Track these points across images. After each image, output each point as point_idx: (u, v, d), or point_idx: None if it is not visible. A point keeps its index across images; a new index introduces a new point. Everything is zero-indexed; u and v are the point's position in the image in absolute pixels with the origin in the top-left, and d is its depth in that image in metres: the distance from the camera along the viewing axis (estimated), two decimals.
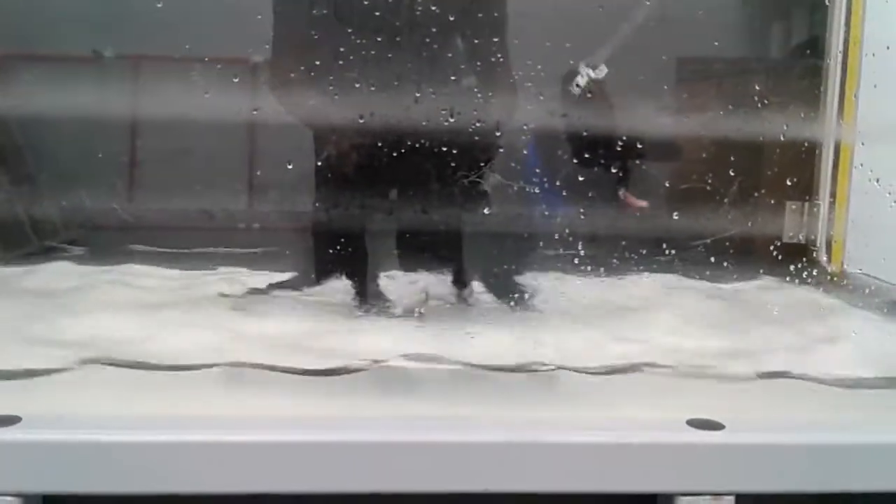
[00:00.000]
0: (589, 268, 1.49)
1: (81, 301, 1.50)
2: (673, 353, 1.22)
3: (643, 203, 1.50)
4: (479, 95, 1.46)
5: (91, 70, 2.45)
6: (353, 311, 1.45)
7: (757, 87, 1.89)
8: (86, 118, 1.80)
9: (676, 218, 1.59)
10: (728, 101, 2.01)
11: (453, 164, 1.41)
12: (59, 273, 1.81)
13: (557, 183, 1.50)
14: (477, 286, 1.55)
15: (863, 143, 1.90)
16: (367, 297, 1.53)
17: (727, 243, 1.71)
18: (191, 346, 1.19)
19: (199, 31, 1.93)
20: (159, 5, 1.55)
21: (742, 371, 1.17)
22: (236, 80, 1.57)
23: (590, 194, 1.50)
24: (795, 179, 1.95)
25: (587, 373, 1.14)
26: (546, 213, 1.52)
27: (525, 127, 1.52)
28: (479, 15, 1.48)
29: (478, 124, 1.39)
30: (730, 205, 1.77)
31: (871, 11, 1.96)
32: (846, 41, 1.98)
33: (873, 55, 1.88)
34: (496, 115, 1.46)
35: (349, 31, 1.43)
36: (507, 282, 1.53)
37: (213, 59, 1.77)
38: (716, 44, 2.00)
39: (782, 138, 1.73)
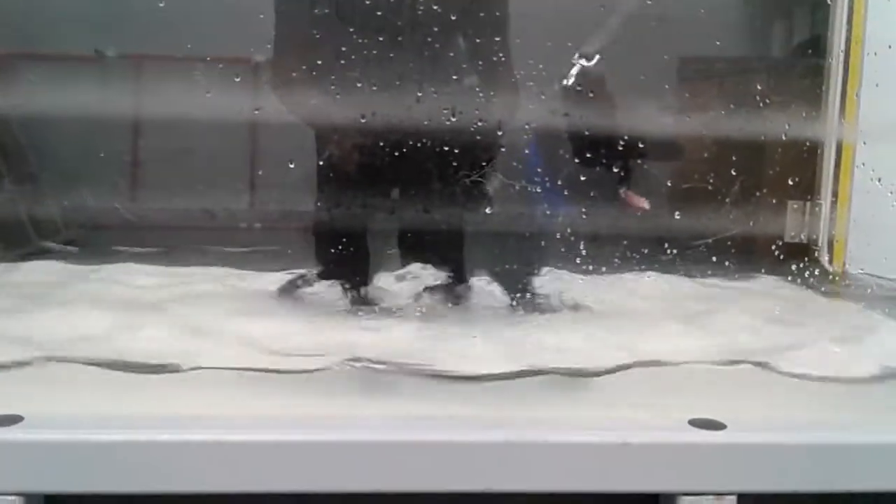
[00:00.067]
0: (590, 266, 1.49)
1: (49, 298, 1.50)
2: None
3: (645, 203, 1.50)
4: (480, 95, 1.46)
5: (93, 69, 2.45)
6: (354, 311, 1.45)
7: (759, 87, 1.89)
8: (88, 118, 1.80)
9: (678, 217, 1.58)
10: (730, 100, 2.01)
11: (455, 164, 1.41)
12: (42, 271, 1.80)
13: (559, 182, 1.49)
14: (478, 287, 1.55)
15: (864, 143, 1.90)
16: (368, 296, 1.53)
17: (728, 243, 1.71)
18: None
19: (201, 31, 1.93)
20: (161, 5, 1.55)
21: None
22: (238, 80, 1.57)
23: (591, 194, 1.49)
24: (797, 179, 1.95)
25: (589, 374, 1.14)
26: (548, 212, 1.52)
27: (527, 126, 1.52)
28: (481, 14, 1.48)
29: (479, 124, 1.39)
30: (731, 204, 1.77)
31: (872, 10, 1.96)
32: (848, 40, 1.98)
33: (875, 54, 1.88)
34: (498, 115, 1.46)
35: (351, 30, 1.43)
36: (516, 280, 1.53)
37: (215, 59, 1.77)
38: (717, 43, 2.00)
39: (784, 137, 1.73)
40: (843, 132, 1.99)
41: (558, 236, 1.49)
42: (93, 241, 2.27)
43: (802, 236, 1.99)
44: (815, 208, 2.00)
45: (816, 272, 1.79)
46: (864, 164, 1.89)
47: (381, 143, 1.39)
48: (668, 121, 1.74)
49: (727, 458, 0.95)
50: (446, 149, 1.39)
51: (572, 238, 1.46)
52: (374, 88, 1.39)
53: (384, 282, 1.53)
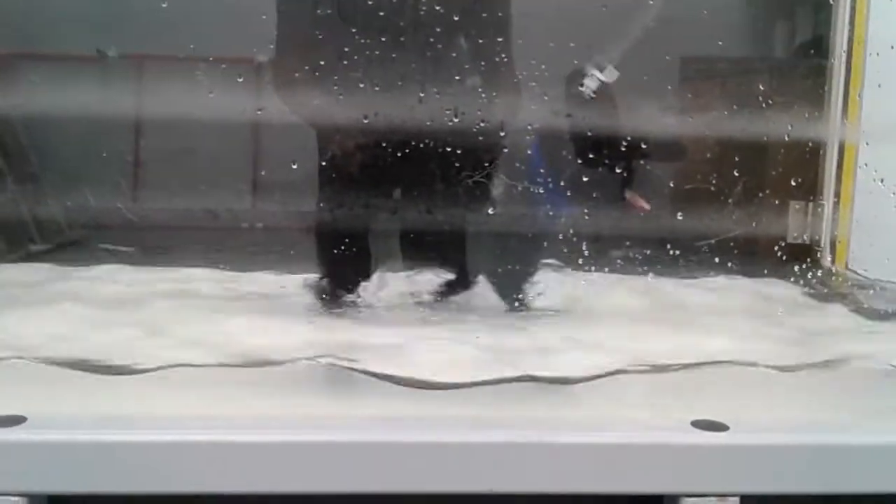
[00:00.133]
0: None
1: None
2: None
3: (647, 206, 1.50)
4: (483, 95, 1.46)
5: (95, 70, 2.46)
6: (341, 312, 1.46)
7: (761, 87, 1.89)
8: (90, 118, 1.80)
9: (680, 218, 1.58)
10: (732, 100, 2.01)
11: (457, 165, 1.41)
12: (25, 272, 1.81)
13: (562, 183, 1.49)
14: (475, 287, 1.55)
15: (867, 143, 1.90)
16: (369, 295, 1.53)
17: (731, 243, 1.71)
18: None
19: (202, 31, 1.93)
20: (164, 5, 1.55)
21: None
22: (241, 80, 1.57)
23: (594, 194, 1.49)
24: (799, 179, 1.95)
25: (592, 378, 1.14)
26: (550, 213, 1.52)
27: (529, 127, 1.52)
28: (483, 15, 1.48)
29: (482, 124, 1.39)
30: (733, 205, 1.77)
31: (875, 11, 1.96)
32: (850, 41, 1.98)
33: (877, 55, 1.88)
34: (500, 116, 1.46)
35: (353, 30, 1.43)
36: (510, 282, 1.53)
37: (218, 59, 1.77)
38: (720, 43, 2.00)
39: (786, 138, 1.73)
40: (846, 133, 1.99)
41: (561, 237, 1.48)
42: (93, 240, 2.27)
43: (805, 237, 1.99)
44: (818, 209, 2.00)
45: (819, 273, 1.79)
46: (866, 165, 1.89)
47: (384, 144, 1.39)
48: (670, 121, 1.73)
49: (730, 460, 0.95)
50: (448, 149, 1.39)
51: (574, 238, 1.46)
52: (377, 89, 1.39)
53: (379, 282, 1.54)
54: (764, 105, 1.80)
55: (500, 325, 1.40)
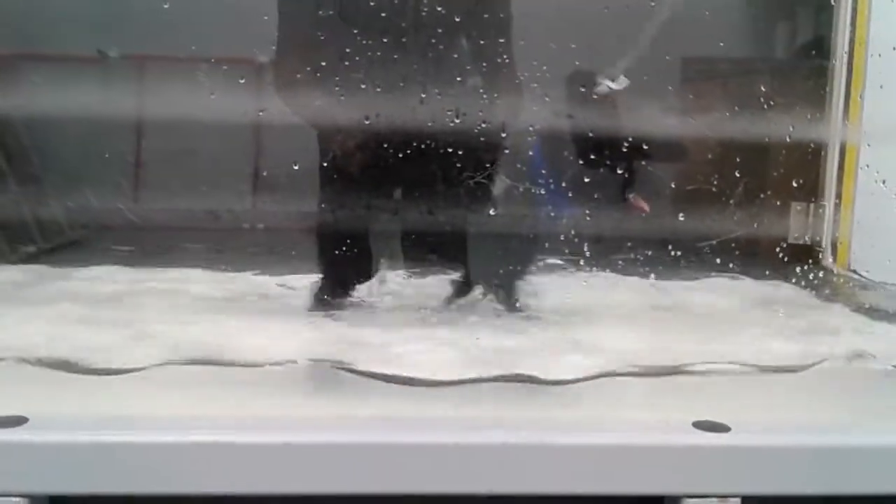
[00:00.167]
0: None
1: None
2: None
3: (645, 206, 1.50)
4: (484, 96, 1.46)
5: (96, 70, 2.46)
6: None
7: (762, 88, 1.89)
8: (91, 119, 1.81)
9: (681, 219, 1.58)
10: (733, 101, 2.00)
11: (459, 165, 1.41)
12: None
13: (563, 184, 1.49)
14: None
15: (869, 145, 1.90)
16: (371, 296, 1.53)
17: (733, 245, 1.71)
18: None
19: (204, 32, 1.93)
20: (165, 6, 1.55)
21: None
22: (242, 81, 1.57)
23: (595, 195, 1.49)
24: (801, 180, 1.95)
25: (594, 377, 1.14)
26: (552, 213, 1.52)
27: (531, 128, 1.52)
28: (485, 16, 1.48)
29: (483, 125, 1.39)
30: (735, 206, 1.77)
31: (876, 12, 1.95)
32: (851, 41, 1.98)
33: (879, 56, 1.88)
34: (502, 116, 1.46)
35: (355, 32, 1.43)
36: (516, 283, 1.53)
37: (220, 60, 1.77)
38: (721, 45, 2.00)
39: (788, 139, 1.73)
40: (847, 134, 1.99)
41: (562, 237, 1.48)
42: (93, 241, 2.28)
43: (806, 238, 1.99)
44: (819, 210, 2.00)
45: (820, 274, 1.79)
46: (868, 166, 1.89)
47: (385, 145, 1.39)
48: (671, 122, 1.73)
49: (731, 460, 0.95)
50: (450, 150, 1.39)
51: (576, 239, 1.46)
52: (378, 90, 1.39)
53: (380, 283, 1.54)
54: (765, 106, 1.80)
55: (502, 326, 1.40)
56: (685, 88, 2.23)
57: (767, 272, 1.76)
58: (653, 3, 1.51)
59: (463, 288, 1.53)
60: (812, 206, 2.01)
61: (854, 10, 1.98)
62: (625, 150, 1.50)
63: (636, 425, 0.98)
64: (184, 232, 2.11)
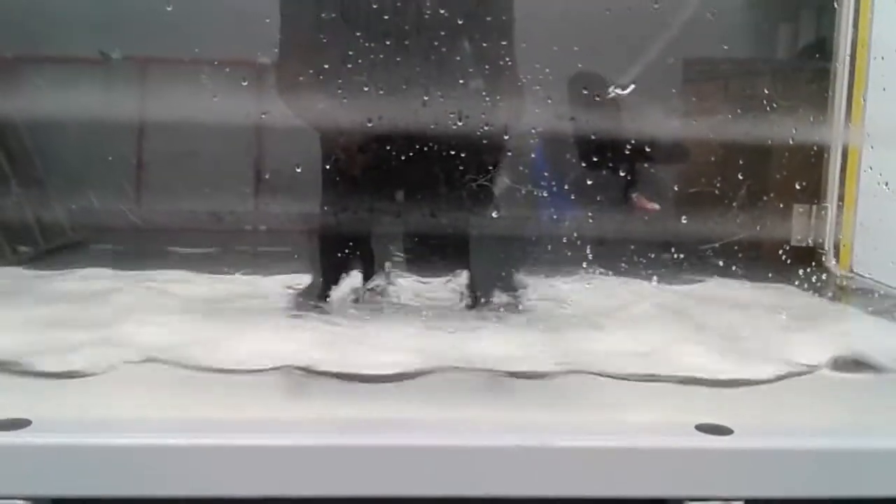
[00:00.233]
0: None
1: None
2: None
3: (655, 206, 1.50)
4: (486, 99, 1.46)
5: (99, 72, 2.46)
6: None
7: (764, 90, 1.88)
8: (94, 120, 1.81)
9: (684, 221, 1.58)
10: (735, 103, 2.00)
11: (461, 168, 1.41)
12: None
13: (565, 186, 1.49)
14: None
15: (871, 147, 1.90)
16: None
17: (735, 247, 1.70)
18: None
19: (207, 34, 1.93)
20: (169, 8, 1.55)
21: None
22: (245, 84, 1.57)
23: (597, 197, 1.49)
24: (803, 182, 1.95)
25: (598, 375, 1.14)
26: (554, 216, 1.52)
27: (533, 131, 1.52)
28: (487, 18, 1.48)
29: (486, 128, 1.39)
30: (737, 208, 1.77)
31: (879, 14, 1.95)
32: (854, 43, 1.98)
33: (882, 58, 1.88)
34: (504, 119, 1.46)
35: (357, 34, 1.43)
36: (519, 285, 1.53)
37: (222, 62, 1.77)
38: (725, 47, 2.00)
39: (790, 141, 1.73)
40: (850, 136, 1.99)
41: (565, 240, 1.48)
42: (89, 243, 2.28)
43: (809, 240, 1.99)
44: (822, 212, 2.00)
45: (822, 276, 1.79)
46: (870, 168, 1.89)
47: (388, 147, 1.39)
48: (672, 124, 1.74)
49: (734, 463, 0.95)
50: (453, 153, 1.39)
51: (579, 242, 1.46)
52: (381, 92, 1.39)
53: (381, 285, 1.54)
54: (767, 108, 1.80)
55: (504, 327, 1.40)
56: (686, 90, 2.23)
57: (770, 274, 1.76)
58: (655, 5, 1.51)
59: (463, 289, 1.53)
60: (814, 208, 2.00)
61: (857, 12, 1.98)
62: (626, 151, 1.50)
63: (637, 427, 0.98)
64: (185, 233, 2.11)
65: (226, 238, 2.03)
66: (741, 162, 1.78)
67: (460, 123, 1.37)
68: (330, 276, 1.55)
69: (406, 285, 1.55)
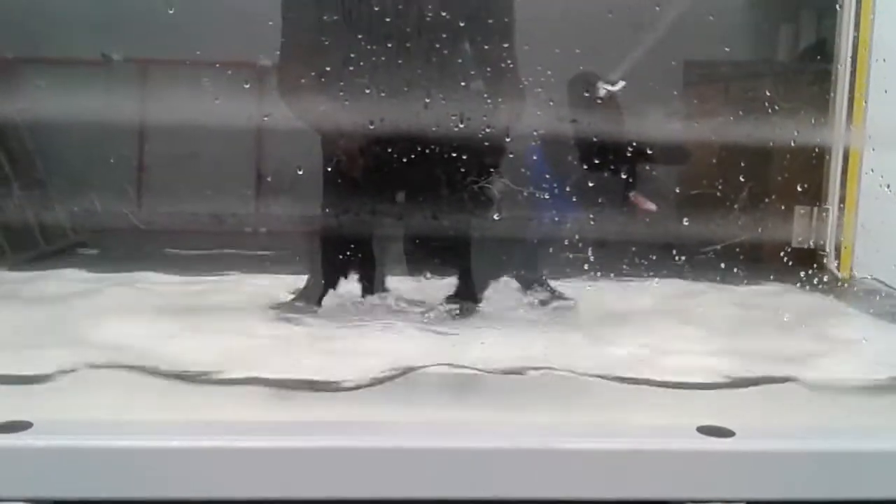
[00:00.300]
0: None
1: None
2: None
3: (652, 205, 1.50)
4: (488, 101, 1.46)
5: (100, 74, 2.46)
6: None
7: (766, 92, 1.89)
8: (95, 122, 1.81)
9: (686, 223, 1.58)
10: (736, 105, 2.00)
11: (462, 170, 1.41)
12: None
13: (567, 188, 1.49)
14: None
15: (873, 149, 1.90)
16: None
17: (737, 249, 1.70)
18: None
19: (208, 36, 1.94)
20: (171, 11, 1.55)
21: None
22: (247, 86, 1.57)
23: (598, 199, 1.49)
24: (805, 184, 1.95)
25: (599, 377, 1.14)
26: (556, 217, 1.52)
27: (535, 133, 1.52)
28: (488, 21, 1.48)
29: (487, 129, 1.39)
30: (739, 210, 1.77)
31: (880, 16, 1.95)
32: (855, 45, 1.98)
33: (884, 60, 1.88)
34: (505, 120, 1.46)
35: (359, 36, 1.43)
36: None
37: (224, 64, 1.77)
38: (726, 49, 2.00)
39: (792, 143, 1.73)
40: (851, 138, 1.99)
41: (566, 242, 1.49)
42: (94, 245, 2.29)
43: (810, 242, 1.99)
44: (823, 214, 2.00)
45: (824, 278, 1.79)
46: (872, 171, 1.89)
47: (389, 149, 1.39)
48: (674, 126, 1.73)
49: (736, 466, 0.95)
50: (454, 154, 1.39)
51: (580, 244, 1.46)
52: (382, 94, 1.39)
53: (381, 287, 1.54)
54: (769, 110, 1.80)
55: (506, 328, 1.40)
56: (688, 92, 2.23)
57: (771, 276, 1.76)
58: (657, 7, 1.51)
59: (464, 291, 1.53)
60: (816, 210, 2.00)
61: (858, 14, 1.98)
62: (627, 153, 1.50)
63: (640, 430, 0.98)
64: (186, 235, 2.11)
65: (227, 240, 2.03)
66: (742, 164, 1.78)
67: (462, 125, 1.37)
68: (329, 277, 1.55)
69: (405, 286, 1.55)
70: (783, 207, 1.96)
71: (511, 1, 1.51)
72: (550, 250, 1.58)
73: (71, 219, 2.32)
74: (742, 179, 1.76)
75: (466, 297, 1.51)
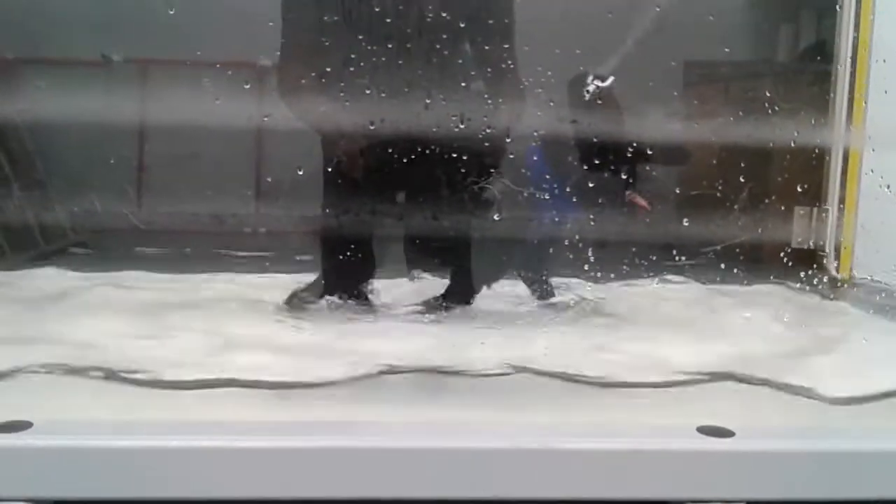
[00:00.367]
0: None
1: None
2: None
3: (645, 204, 1.50)
4: (488, 101, 1.46)
5: (101, 74, 2.46)
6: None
7: (766, 92, 1.89)
8: (95, 123, 1.81)
9: (686, 224, 1.58)
10: (736, 105, 2.00)
11: (463, 170, 1.41)
12: None
13: (567, 188, 1.50)
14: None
15: (873, 150, 1.90)
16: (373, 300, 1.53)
17: (737, 250, 1.70)
18: None
19: (208, 36, 1.94)
20: (171, 12, 1.55)
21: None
22: (248, 87, 1.57)
23: (599, 199, 1.49)
24: (804, 185, 1.95)
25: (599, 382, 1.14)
26: (556, 218, 1.52)
27: (536, 133, 1.52)
28: (489, 21, 1.48)
29: (487, 130, 1.39)
30: (739, 210, 1.77)
31: (880, 16, 1.95)
32: (855, 46, 1.98)
33: (884, 61, 1.88)
34: (505, 121, 1.46)
35: (359, 37, 1.43)
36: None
37: (224, 65, 1.77)
38: (726, 50, 2.00)
39: (792, 144, 1.73)
40: (851, 138, 1.99)
41: (566, 242, 1.49)
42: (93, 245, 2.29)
43: (810, 243, 1.99)
44: (823, 214, 2.00)
45: (824, 278, 1.79)
46: (872, 171, 1.89)
47: (389, 150, 1.39)
48: (673, 126, 1.73)
49: (736, 466, 0.95)
50: (454, 155, 1.39)
51: (580, 244, 1.46)
52: (382, 95, 1.39)
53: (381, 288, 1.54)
54: (769, 111, 1.80)
55: (506, 328, 1.40)
56: (688, 92, 2.23)
57: (771, 276, 1.76)
58: (658, 8, 1.51)
59: (465, 292, 1.53)
60: (815, 210, 2.00)
61: (858, 14, 1.98)
62: (627, 153, 1.50)
63: (639, 430, 0.98)
64: (186, 235, 2.11)
65: (228, 240, 2.03)
66: (742, 164, 1.78)
67: (462, 126, 1.37)
68: (328, 277, 1.55)
69: (405, 287, 1.56)
70: (783, 208, 1.96)
71: (511, 2, 1.51)
72: (551, 250, 1.58)
73: (71, 219, 2.32)
74: (742, 180, 1.76)
75: (459, 296, 1.51)
